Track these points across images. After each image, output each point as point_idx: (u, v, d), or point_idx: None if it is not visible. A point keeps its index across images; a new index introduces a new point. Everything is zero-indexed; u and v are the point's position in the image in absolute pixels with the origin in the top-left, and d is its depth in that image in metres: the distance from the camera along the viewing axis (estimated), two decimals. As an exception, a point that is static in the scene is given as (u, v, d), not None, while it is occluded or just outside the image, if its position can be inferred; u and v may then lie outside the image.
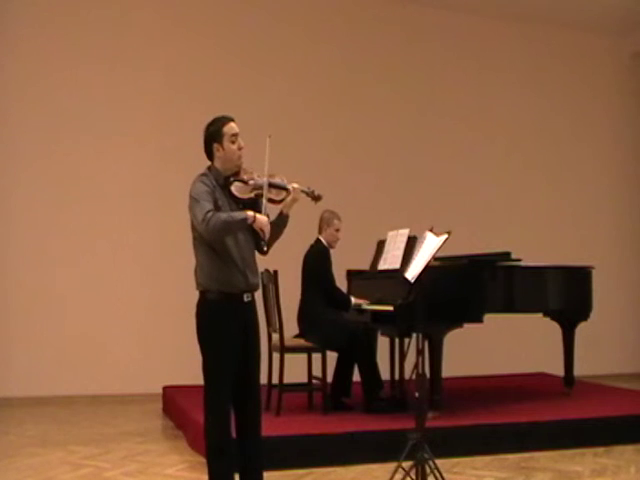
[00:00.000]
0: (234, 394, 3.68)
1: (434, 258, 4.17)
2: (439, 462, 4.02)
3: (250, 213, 3.54)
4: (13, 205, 7.61)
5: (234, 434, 3.70)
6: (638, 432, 5.65)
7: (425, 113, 9.07)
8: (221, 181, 3.68)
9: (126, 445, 5.53)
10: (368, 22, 8.92)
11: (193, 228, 3.66)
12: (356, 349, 5.98)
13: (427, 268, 4.09)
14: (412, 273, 4.18)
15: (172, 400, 6.70)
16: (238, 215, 3.54)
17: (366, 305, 5.94)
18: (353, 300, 6.02)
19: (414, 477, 3.95)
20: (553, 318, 6.88)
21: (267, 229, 3.57)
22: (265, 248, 3.62)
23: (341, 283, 6.41)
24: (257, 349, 3.78)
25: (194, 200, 3.58)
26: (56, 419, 6.67)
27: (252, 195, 3.66)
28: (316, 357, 5.97)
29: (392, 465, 4.13)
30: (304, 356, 6.08)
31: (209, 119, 3.75)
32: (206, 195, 3.57)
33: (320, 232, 6.12)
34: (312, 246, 6.11)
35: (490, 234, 8.53)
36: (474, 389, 7.29)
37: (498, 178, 9.30)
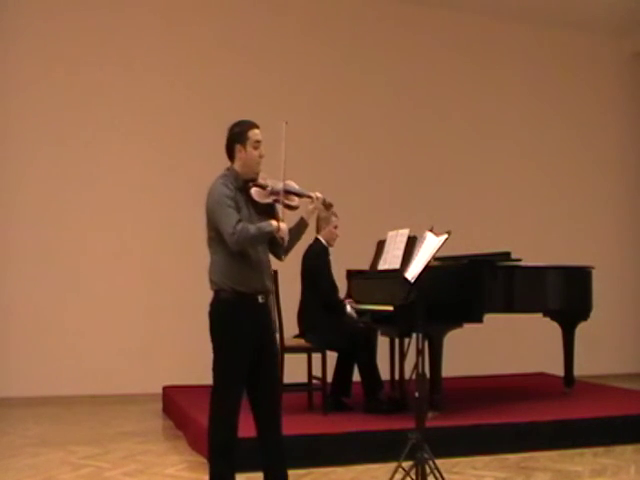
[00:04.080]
0: (250, 395, 3.70)
1: (434, 258, 4.17)
2: (439, 462, 4.02)
3: (274, 223, 3.61)
4: (14, 206, 7.61)
5: (256, 434, 3.72)
6: (638, 432, 5.65)
7: (425, 113, 9.07)
8: (240, 184, 3.70)
9: (126, 445, 5.53)
10: (370, 23, 8.92)
11: (210, 227, 3.69)
12: (356, 349, 5.98)
13: (427, 268, 4.09)
14: (412, 273, 4.18)
15: (172, 400, 6.70)
16: (265, 227, 3.60)
17: (363, 306, 5.95)
18: (348, 308, 6.04)
19: (414, 477, 3.95)
20: (553, 318, 6.88)
21: (287, 238, 3.66)
22: (283, 257, 3.76)
23: (341, 283, 6.40)
24: (273, 349, 3.81)
25: (219, 206, 3.60)
26: (56, 419, 6.67)
27: (270, 200, 3.72)
28: (316, 357, 5.97)
29: (392, 465, 4.13)
30: (304, 356, 6.08)
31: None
32: (229, 201, 3.60)
33: (318, 231, 6.12)
34: (310, 246, 6.10)
35: (490, 234, 8.53)
36: (474, 389, 7.29)
37: (498, 178, 9.31)
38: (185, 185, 8.02)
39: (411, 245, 5.34)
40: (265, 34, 8.50)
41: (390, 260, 5.79)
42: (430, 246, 4.12)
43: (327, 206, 3.90)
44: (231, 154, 3.75)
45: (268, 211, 3.74)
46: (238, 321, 3.64)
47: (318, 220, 6.10)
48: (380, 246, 6.22)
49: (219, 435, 3.65)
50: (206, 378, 7.79)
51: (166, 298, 7.84)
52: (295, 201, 3.76)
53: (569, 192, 9.62)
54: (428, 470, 3.95)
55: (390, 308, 5.39)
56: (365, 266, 6.44)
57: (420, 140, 9.01)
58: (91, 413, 6.97)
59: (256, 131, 3.71)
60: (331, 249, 6.15)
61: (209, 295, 3.82)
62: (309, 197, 3.79)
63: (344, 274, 6.63)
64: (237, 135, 3.71)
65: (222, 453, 3.64)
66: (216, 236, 3.65)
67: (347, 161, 8.58)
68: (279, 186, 3.71)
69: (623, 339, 9.57)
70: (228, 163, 3.78)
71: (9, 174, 7.61)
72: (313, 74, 8.65)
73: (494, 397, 6.84)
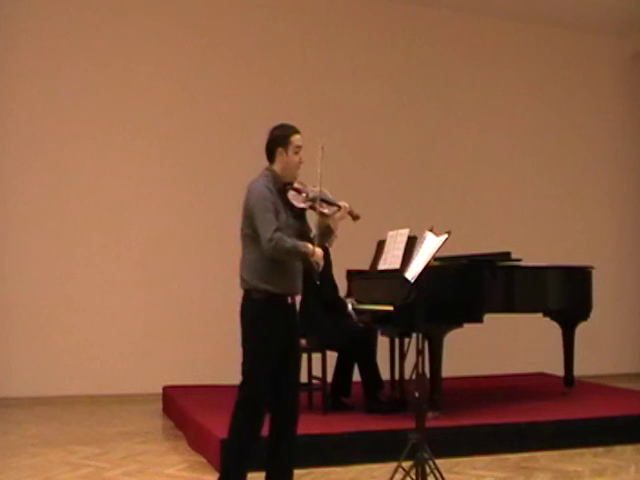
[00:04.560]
0: (272, 395, 3.74)
1: (434, 258, 4.17)
2: (439, 462, 4.02)
3: (310, 247, 3.70)
4: (13, 206, 7.61)
5: (269, 433, 3.77)
6: (638, 432, 5.65)
7: (425, 113, 9.07)
8: (279, 185, 3.78)
9: (126, 445, 5.52)
10: (370, 23, 8.91)
11: (247, 224, 3.74)
12: (356, 349, 5.98)
13: (427, 268, 4.09)
14: (412, 273, 4.18)
15: (172, 400, 6.70)
16: (301, 247, 3.68)
17: (365, 305, 5.94)
18: (350, 307, 6.03)
19: (414, 477, 3.95)
20: (553, 318, 6.88)
21: (322, 263, 3.76)
22: (318, 282, 3.84)
23: (341, 283, 6.40)
24: (298, 352, 3.90)
25: (259, 209, 3.66)
26: (56, 419, 6.66)
27: (305, 206, 3.83)
28: (316, 357, 5.97)
29: (392, 465, 4.13)
30: (304, 356, 6.07)
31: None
32: (270, 205, 3.67)
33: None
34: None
35: (490, 234, 8.53)
36: (474, 389, 7.29)
37: (498, 178, 9.31)
38: (185, 186, 8.03)
39: (411, 245, 5.34)
40: (267, 35, 8.49)
41: (390, 260, 5.78)
42: (430, 246, 4.12)
43: (354, 217, 4.03)
44: (271, 156, 3.82)
45: (301, 216, 3.84)
46: (270, 322, 3.68)
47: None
48: (380, 246, 6.21)
49: (243, 433, 3.68)
50: (206, 378, 7.83)
51: (166, 298, 7.83)
52: (327, 210, 3.88)
53: (569, 192, 9.61)
54: (428, 470, 3.95)
55: (390, 308, 5.38)
56: (365, 266, 6.44)
57: (420, 140, 9.00)
58: (91, 413, 6.97)
59: (298, 137, 3.82)
60: (330, 249, 6.14)
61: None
62: (338, 207, 3.92)
63: (344, 274, 6.63)
64: (280, 138, 3.79)
65: (241, 453, 3.67)
66: (253, 234, 3.70)
67: (346, 161, 8.55)
68: (315, 193, 3.83)
69: (623, 339, 9.57)
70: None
71: (10, 173, 7.60)
72: (314, 73, 8.63)
73: (494, 397, 6.84)
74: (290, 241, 3.65)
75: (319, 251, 3.74)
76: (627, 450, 5.42)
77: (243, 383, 3.73)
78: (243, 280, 3.75)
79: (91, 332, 7.63)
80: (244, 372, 3.73)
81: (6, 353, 7.40)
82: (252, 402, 3.69)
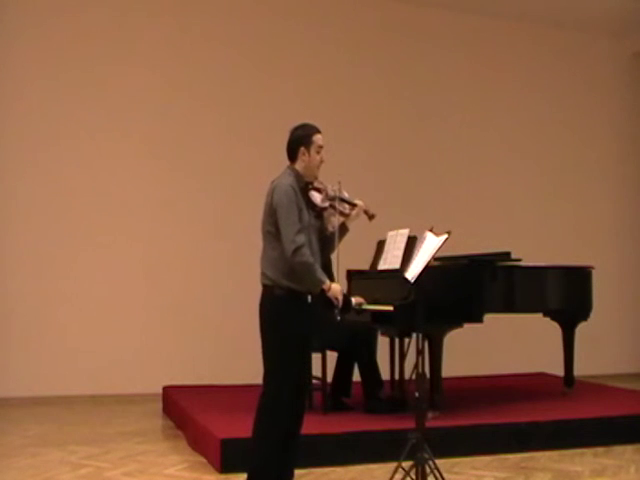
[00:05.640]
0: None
1: (434, 258, 4.17)
2: (439, 462, 4.02)
3: (327, 283, 3.73)
4: (12, 206, 7.61)
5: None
6: (638, 432, 5.65)
7: (425, 113, 9.07)
8: (301, 184, 3.81)
9: (126, 445, 5.52)
10: (372, 23, 8.91)
11: (270, 222, 3.74)
12: (356, 349, 5.98)
13: (427, 268, 4.09)
14: (412, 273, 4.18)
15: (172, 400, 6.70)
16: (320, 276, 3.71)
17: (365, 305, 5.93)
18: (353, 301, 6.00)
19: (414, 477, 3.94)
20: (553, 318, 6.88)
21: (341, 298, 3.77)
22: (339, 318, 3.82)
23: (341, 283, 6.37)
24: (311, 351, 3.95)
25: (284, 210, 3.67)
26: (56, 419, 6.66)
27: (326, 205, 3.88)
28: (316, 357, 5.96)
29: (392, 465, 4.13)
30: (304, 356, 6.07)
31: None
32: (294, 206, 3.69)
33: (320, 232, 6.11)
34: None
35: (490, 234, 8.53)
36: (474, 389, 7.29)
37: (498, 178, 9.31)
38: (185, 187, 8.03)
39: (411, 245, 5.34)
40: (269, 39, 8.49)
41: (390, 260, 5.78)
42: (430, 246, 4.12)
43: (370, 216, 4.02)
44: (293, 155, 3.86)
45: (320, 215, 3.88)
46: (293, 319, 3.70)
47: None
48: (380, 246, 6.21)
49: (269, 435, 3.65)
50: (206, 378, 7.83)
51: (166, 298, 7.83)
52: (347, 209, 3.91)
53: (569, 192, 9.62)
54: (428, 470, 3.95)
55: (390, 308, 5.38)
56: (365, 266, 6.44)
57: (420, 140, 9.00)
58: (91, 413, 6.97)
59: (320, 136, 3.89)
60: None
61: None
62: (355, 205, 3.94)
63: (344, 274, 6.62)
64: (303, 138, 3.84)
65: (268, 455, 3.63)
66: (276, 232, 3.72)
67: (346, 160, 8.54)
68: (334, 193, 3.88)
69: (623, 339, 9.57)
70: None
71: (9, 174, 7.60)
72: (313, 73, 8.63)
73: (494, 397, 6.84)
74: (311, 260, 3.66)
75: (336, 287, 3.75)
76: (627, 450, 5.42)
77: (267, 383, 3.71)
78: (265, 276, 3.76)
79: (91, 332, 7.63)
80: (268, 371, 3.71)
81: (6, 353, 7.40)
82: (278, 402, 3.67)
